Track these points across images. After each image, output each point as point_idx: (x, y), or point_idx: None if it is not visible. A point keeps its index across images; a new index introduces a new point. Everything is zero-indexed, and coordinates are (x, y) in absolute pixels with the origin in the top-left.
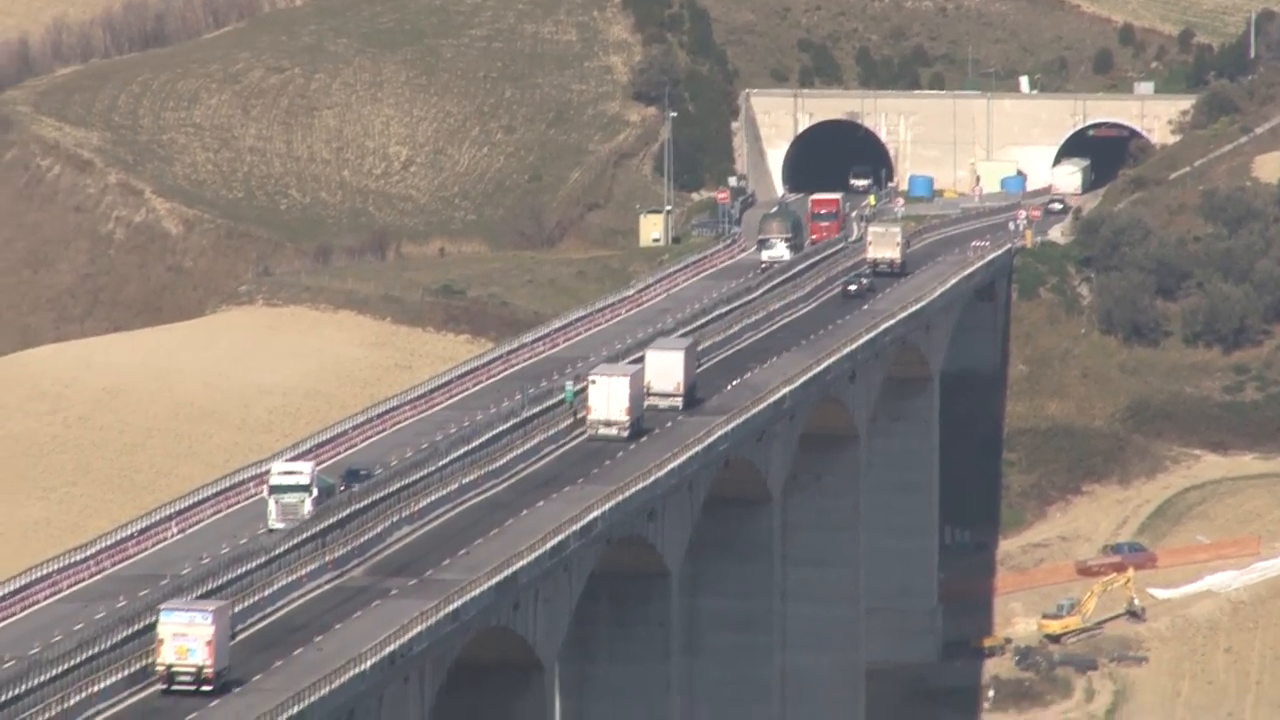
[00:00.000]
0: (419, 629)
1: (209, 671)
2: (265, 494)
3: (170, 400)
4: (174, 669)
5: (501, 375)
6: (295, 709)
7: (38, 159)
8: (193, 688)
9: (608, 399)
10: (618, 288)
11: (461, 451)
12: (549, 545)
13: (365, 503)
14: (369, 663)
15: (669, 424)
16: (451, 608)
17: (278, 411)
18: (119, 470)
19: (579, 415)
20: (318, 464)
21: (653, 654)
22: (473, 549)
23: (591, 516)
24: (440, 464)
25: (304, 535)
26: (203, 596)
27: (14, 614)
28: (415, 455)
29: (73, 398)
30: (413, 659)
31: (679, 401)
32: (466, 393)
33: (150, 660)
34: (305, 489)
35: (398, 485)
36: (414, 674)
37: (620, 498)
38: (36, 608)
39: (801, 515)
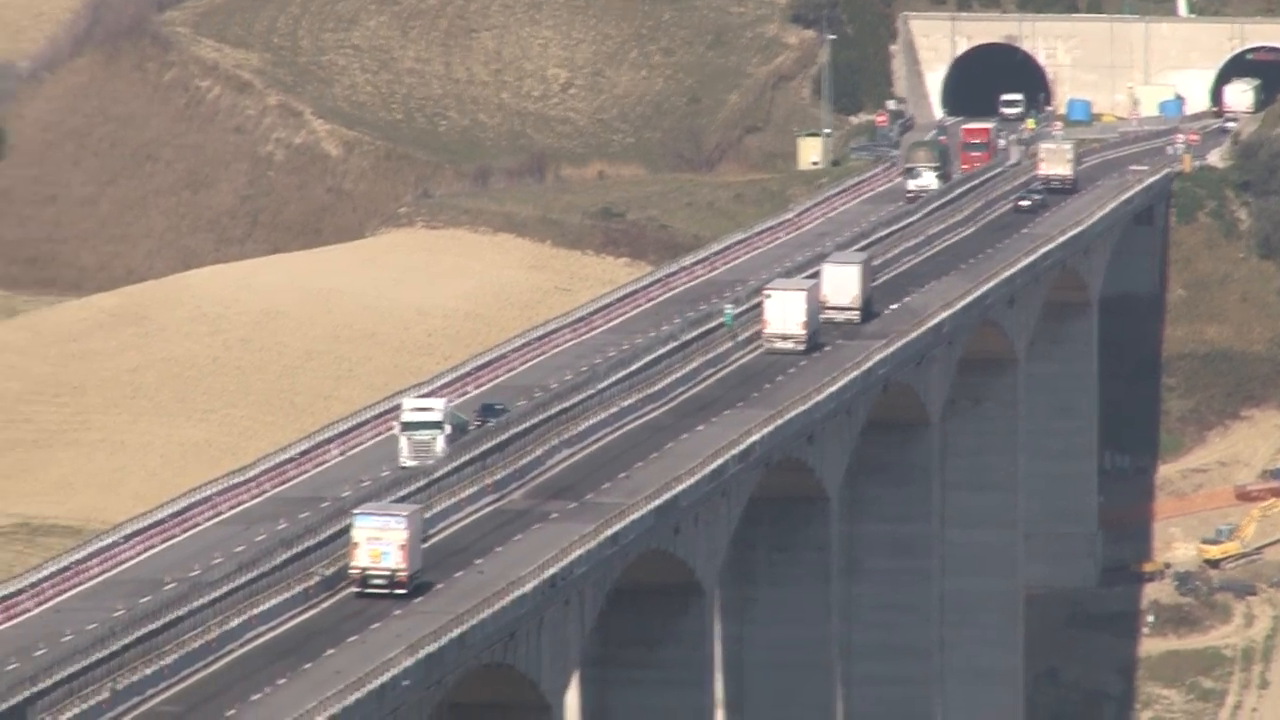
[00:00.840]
0: (579, 552)
1: (402, 575)
2: (397, 430)
3: (330, 322)
4: (368, 572)
5: (660, 298)
6: (456, 631)
7: (197, 80)
8: (386, 590)
9: (784, 312)
10: (776, 211)
11: (621, 374)
12: (708, 469)
13: (526, 425)
14: (530, 585)
15: (843, 340)
16: (611, 531)
17: (437, 334)
18: (278, 392)
19: (738, 339)
20: (454, 398)
21: (812, 578)
22: (632, 472)
23: (750, 441)
24: (600, 387)
25: (464, 458)
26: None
27: (174, 536)
28: (574, 379)
29: (233, 319)
30: (573, 582)
31: (856, 315)
32: (625, 316)
33: (316, 579)
34: (438, 426)
35: (557, 409)
36: (574, 597)
37: (779, 422)
38: (197, 530)
39: (960, 440)
